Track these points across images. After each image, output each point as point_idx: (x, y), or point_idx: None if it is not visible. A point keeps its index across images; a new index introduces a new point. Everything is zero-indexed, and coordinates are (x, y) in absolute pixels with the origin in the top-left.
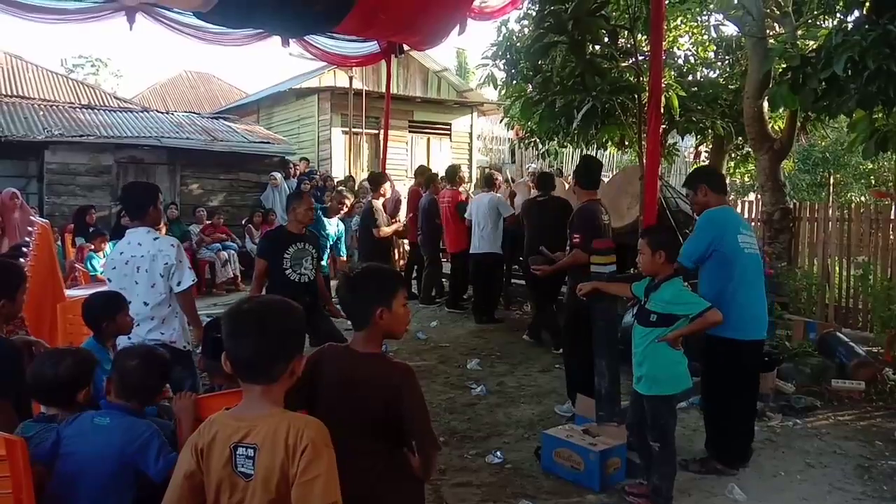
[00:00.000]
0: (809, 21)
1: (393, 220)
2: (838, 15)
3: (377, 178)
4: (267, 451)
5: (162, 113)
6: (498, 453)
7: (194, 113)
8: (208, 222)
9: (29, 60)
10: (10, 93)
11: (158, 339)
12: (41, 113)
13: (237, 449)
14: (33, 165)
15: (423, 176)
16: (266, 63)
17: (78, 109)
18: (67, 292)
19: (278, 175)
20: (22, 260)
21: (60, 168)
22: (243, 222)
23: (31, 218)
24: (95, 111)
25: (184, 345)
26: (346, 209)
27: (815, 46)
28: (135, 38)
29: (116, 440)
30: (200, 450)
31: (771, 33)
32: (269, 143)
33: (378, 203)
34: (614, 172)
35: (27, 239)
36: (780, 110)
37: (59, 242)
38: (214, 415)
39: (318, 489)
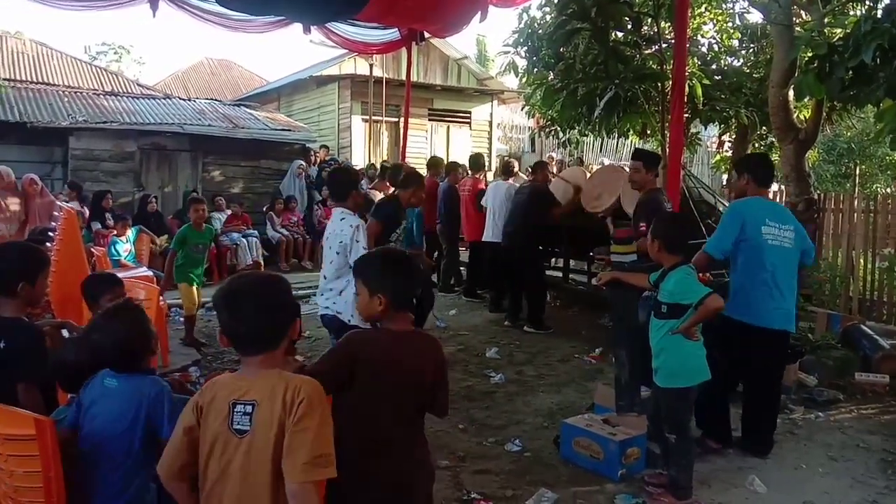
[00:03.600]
0: (837, 8)
1: None
2: (867, 2)
3: (397, 171)
4: (265, 406)
5: (184, 100)
6: (517, 441)
7: (216, 100)
8: (229, 212)
9: (53, 48)
10: (35, 79)
11: (330, 309)
12: (66, 99)
13: (235, 406)
14: (58, 151)
15: (436, 167)
16: (286, 50)
17: (101, 96)
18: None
19: (304, 163)
20: (48, 245)
21: (84, 154)
22: (264, 209)
23: (58, 203)
24: (119, 98)
25: (348, 318)
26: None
27: (842, 34)
28: (156, 26)
29: (126, 402)
30: (200, 407)
31: (797, 21)
32: (289, 130)
33: (377, 194)
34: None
35: (53, 224)
36: (806, 99)
37: (84, 228)
38: (217, 376)
39: (308, 439)
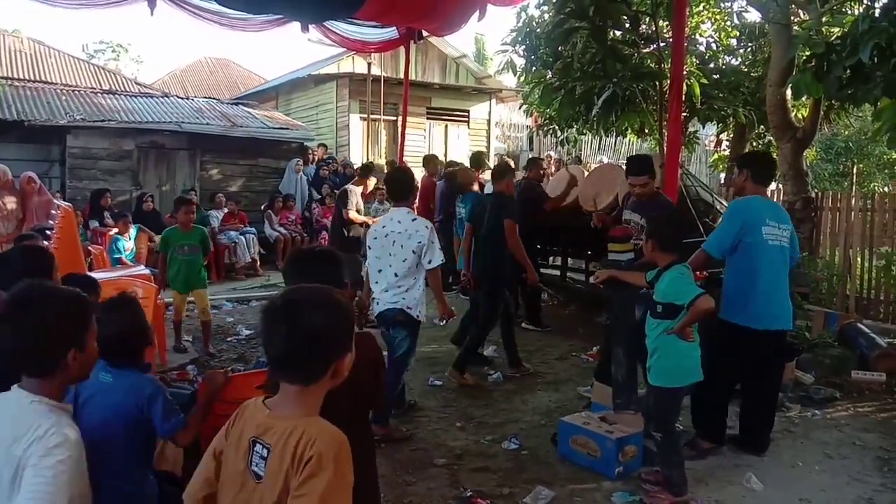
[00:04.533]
0: (835, 7)
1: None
2: (865, 1)
3: (368, 168)
4: (277, 454)
5: (182, 98)
6: (514, 439)
7: (214, 99)
8: (226, 210)
9: (51, 46)
10: (33, 78)
11: (398, 304)
12: (63, 98)
13: (255, 445)
14: (56, 150)
15: (432, 164)
16: (285, 49)
17: (99, 94)
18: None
19: (301, 161)
20: (46, 243)
21: (82, 152)
22: (262, 208)
23: (55, 201)
24: (116, 96)
25: (416, 314)
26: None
27: (840, 33)
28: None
29: (120, 398)
30: (228, 431)
31: (795, 20)
32: (287, 129)
33: (357, 189)
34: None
35: (51, 222)
36: (804, 98)
37: (81, 226)
38: (251, 400)
39: None
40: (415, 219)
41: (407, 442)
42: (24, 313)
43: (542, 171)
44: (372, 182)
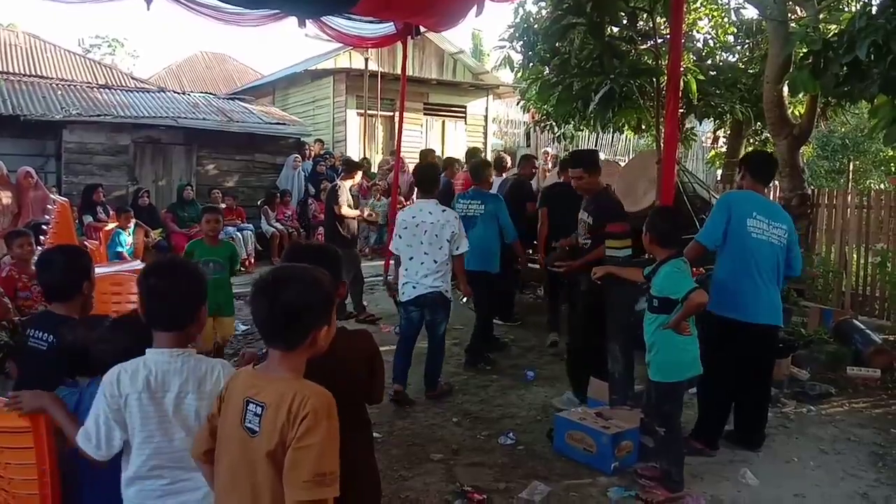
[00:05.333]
0: (832, 4)
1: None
2: None
3: (350, 163)
4: (272, 411)
5: (178, 93)
6: (510, 434)
7: (210, 94)
8: (224, 206)
9: (47, 40)
10: (28, 72)
11: (438, 287)
12: (59, 92)
13: (248, 404)
14: (51, 144)
15: (451, 168)
16: (281, 44)
17: (95, 89)
18: None
19: (299, 157)
20: (42, 237)
21: (78, 147)
22: (259, 203)
23: (51, 196)
24: (112, 91)
25: (450, 295)
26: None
27: (837, 30)
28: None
29: None
30: (222, 397)
31: (792, 17)
32: (284, 124)
33: (346, 184)
34: (630, 157)
35: (46, 217)
36: (801, 95)
37: (77, 220)
38: (241, 369)
39: (311, 457)
40: (444, 210)
41: (447, 395)
42: (284, 290)
43: (533, 169)
44: (358, 177)
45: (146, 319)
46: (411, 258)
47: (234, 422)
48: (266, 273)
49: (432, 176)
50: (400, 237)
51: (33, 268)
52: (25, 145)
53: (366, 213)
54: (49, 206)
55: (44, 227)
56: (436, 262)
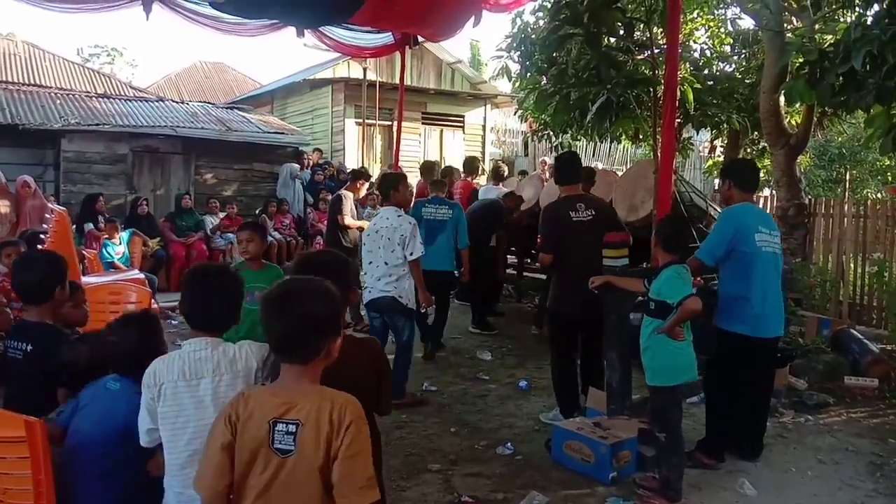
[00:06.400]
0: (828, 15)
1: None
2: (857, 9)
3: (356, 173)
4: (311, 427)
5: (177, 102)
6: (508, 444)
7: (209, 103)
8: (223, 214)
9: (46, 49)
10: (27, 81)
11: (390, 292)
12: (58, 101)
13: (276, 425)
14: (50, 153)
15: (429, 172)
16: (280, 54)
17: (94, 98)
18: (84, 279)
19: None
20: (40, 246)
21: (76, 156)
22: (257, 212)
23: (49, 205)
24: (111, 100)
25: (406, 302)
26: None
27: (833, 41)
28: (150, 28)
29: (122, 406)
30: (234, 423)
31: (788, 27)
32: (283, 133)
33: (350, 194)
34: (627, 166)
35: (45, 226)
36: (797, 105)
37: (74, 229)
38: (248, 390)
39: (360, 464)
40: (400, 215)
41: (423, 406)
42: (297, 304)
43: (516, 202)
44: (364, 188)
45: (187, 321)
46: (370, 262)
47: (260, 445)
48: (275, 287)
49: (388, 185)
50: (364, 245)
51: None
52: (24, 154)
53: (365, 226)
54: (47, 216)
55: (42, 236)
56: (387, 264)
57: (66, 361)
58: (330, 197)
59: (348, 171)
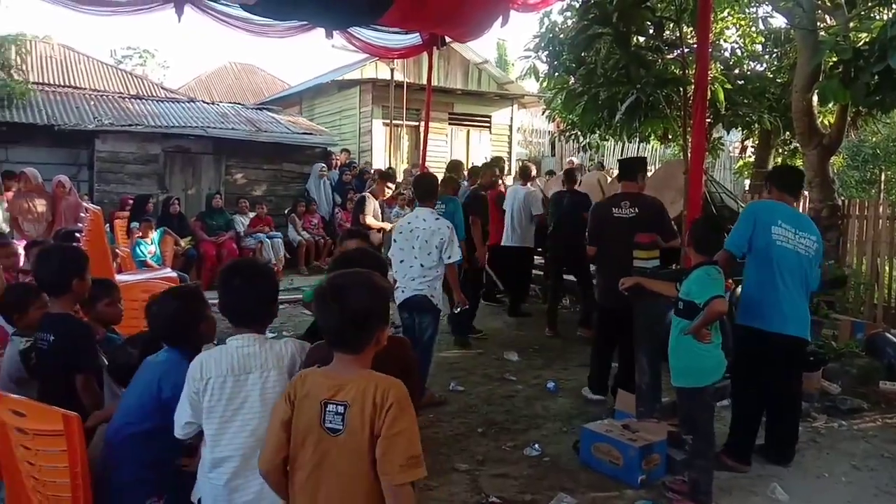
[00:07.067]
0: (863, 13)
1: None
2: (894, 6)
3: (384, 175)
4: (357, 407)
5: (208, 103)
6: (536, 446)
7: (239, 104)
8: (253, 214)
9: (80, 51)
10: (63, 83)
11: (423, 291)
12: (92, 103)
13: (327, 406)
14: (84, 154)
15: (456, 171)
16: (308, 55)
17: (127, 99)
18: (117, 277)
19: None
20: (75, 245)
21: (110, 156)
22: (286, 212)
23: (84, 204)
24: (143, 101)
25: (436, 301)
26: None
27: (868, 39)
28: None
29: (158, 370)
30: (293, 401)
31: (822, 25)
32: (311, 134)
33: (372, 196)
34: (656, 167)
35: (79, 225)
36: (830, 105)
37: (108, 228)
38: (306, 370)
39: (402, 442)
40: (437, 218)
41: (441, 406)
42: (350, 296)
43: (494, 178)
44: (388, 190)
45: (228, 318)
46: (402, 261)
47: (313, 423)
48: (327, 281)
49: (428, 186)
50: (395, 242)
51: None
52: (60, 154)
53: (388, 227)
54: (82, 214)
55: (76, 234)
56: (423, 266)
57: (120, 363)
58: (357, 197)
59: (371, 171)
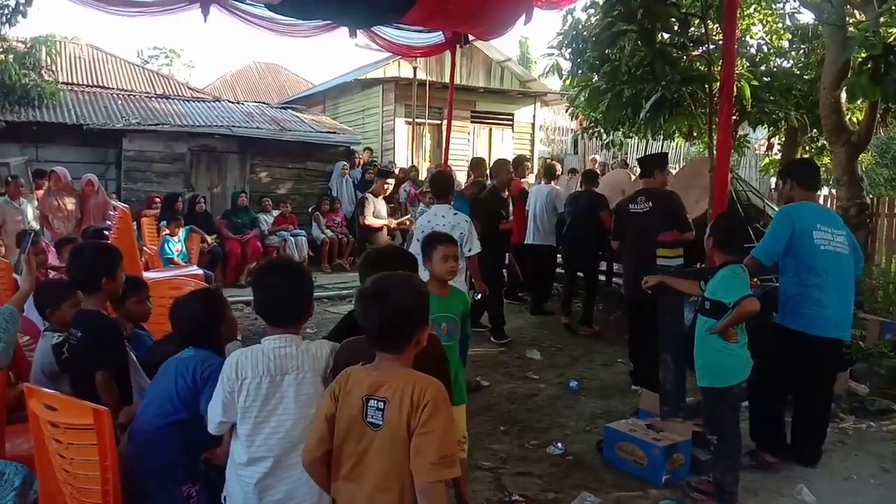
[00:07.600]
0: (893, 7)
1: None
2: None
3: (382, 172)
4: (395, 404)
5: (233, 103)
6: (559, 444)
7: (263, 103)
8: (277, 212)
9: (108, 52)
10: (91, 83)
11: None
12: (119, 102)
13: (368, 401)
14: (112, 153)
15: (480, 167)
16: (332, 54)
17: (153, 99)
18: (144, 274)
19: (346, 164)
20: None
21: (137, 155)
22: (310, 210)
23: (112, 203)
24: (170, 101)
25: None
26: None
27: None
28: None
29: (189, 364)
30: (336, 396)
31: (850, 21)
32: (335, 132)
33: (371, 197)
34: (681, 164)
35: (108, 223)
36: (859, 101)
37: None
38: (351, 368)
39: (434, 441)
40: (455, 213)
41: (479, 391)
42: (391, 298)
43: (508, 176)
44: (389, 184)
45: (263, 318)
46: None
47: (356, 418)
48: (370, 282)
49: (445, 184)
50: (418, 240)
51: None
52: (88, 153)
53: (394, 223)
54: (110, 213)
55: (105, 232)
56: None
57: (153, 362)
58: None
59: (397, 168)
